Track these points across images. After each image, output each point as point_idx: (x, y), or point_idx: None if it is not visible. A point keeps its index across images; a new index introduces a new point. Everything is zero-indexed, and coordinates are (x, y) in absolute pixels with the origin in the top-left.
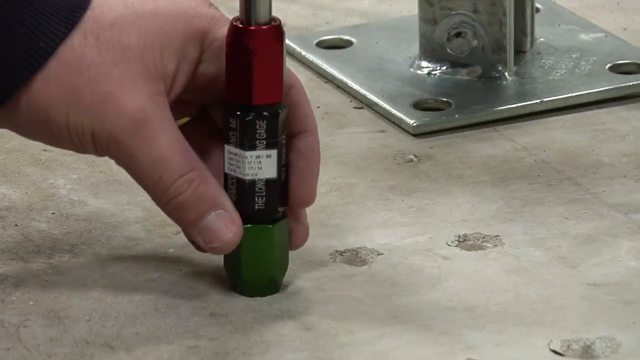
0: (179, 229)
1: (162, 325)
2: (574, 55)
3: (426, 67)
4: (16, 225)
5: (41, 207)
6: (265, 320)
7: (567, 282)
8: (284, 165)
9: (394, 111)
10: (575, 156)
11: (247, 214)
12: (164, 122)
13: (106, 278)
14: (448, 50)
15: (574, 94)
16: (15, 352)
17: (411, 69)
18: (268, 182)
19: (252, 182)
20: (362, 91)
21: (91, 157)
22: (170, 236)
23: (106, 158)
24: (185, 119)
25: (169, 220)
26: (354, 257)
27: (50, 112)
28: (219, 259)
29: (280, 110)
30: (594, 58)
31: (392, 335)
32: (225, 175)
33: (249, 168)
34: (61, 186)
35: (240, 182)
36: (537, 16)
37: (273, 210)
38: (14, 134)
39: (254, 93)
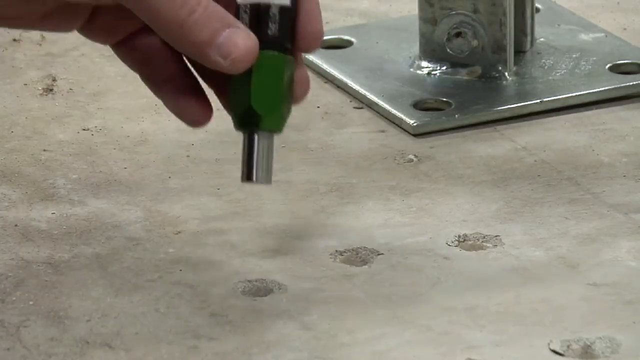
0: (179, 228)
1: (162, 325)
2: (574, 55)
3: (426, 67)
4: (16, 225)
5: (41, 207)
6: (265, 320)
7: (567, 282)
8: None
9: (394, 111)
10: (575, 156)
11: (259, 40)
12: None
13: (106, 278)
14: (448, 50)
15: (574, 94)
16: (15, 352)
17: (411, 69)
18: (282, 8)
19: (267, 6)
20: (362, 91)
21: (91, 157)
22: (170, 236)
23: (106, 158)
24: None
25: (169, 220)
26: (354, 257)
27: None
28: (219, 258)
29: None
30: (594, 58)
31: (392, 335)
32: (237, 6)
33: None
34: (61, 186)
35: (254, 6)
36: (537, 16)
37: (284, 40)
38: (14, 133)
39: None
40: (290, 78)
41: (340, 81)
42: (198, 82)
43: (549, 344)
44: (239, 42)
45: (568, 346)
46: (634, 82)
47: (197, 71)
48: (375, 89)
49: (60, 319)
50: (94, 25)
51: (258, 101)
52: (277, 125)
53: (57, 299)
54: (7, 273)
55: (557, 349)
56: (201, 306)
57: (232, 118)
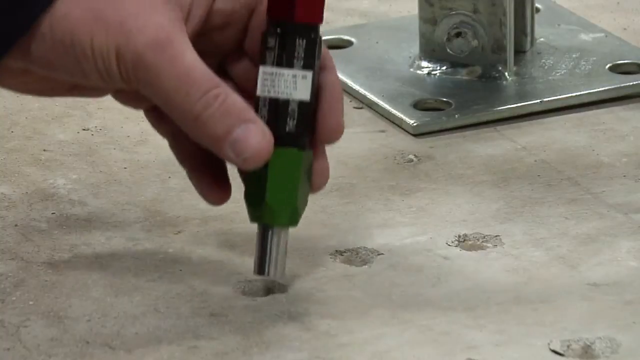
0: (179, 228)
1: (162, 325)
2: (574, 55)
3: (426, 67)
4: (16, 225)
5: (41, 207)
6: (265, 320)
7: (567, 282)
8: (315, 94)
9: (394, 111)
10: (575, 156)
11: (276, 136)
12: (185, 43)
13: (106, 278)
14: (448, 50)
15: (574, 94)
16: (15, 352)
17: (411, 69)
18: (301, 104)
19: (286, 102)
20: (362, 91)
21: (91, 157)
22: (170, 236)
23: (106, 158)
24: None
25: (169, 220)
26: (354, 257)
27: (74, 34)
28: (219, 258)
29: (319, 34)
30: (594, 58)
31: (392, 335)
32: (257, 98)
33: (284, 86)
34: (61, 186)
35: (273, 101)
36: (537, 16)
37: (302, 136)
38: (14, 133)
39: (296, 10)
40: (308, 172)
41: (340, 81)
42: (222, 162)
43: (549, 344)
44: (252, 141)
45: (568, 346)
46: (634, 82)
47: None
48: (375, 89)
49: (60, 319)
50: (124, 93)
51: (273, 198)
52: (292, 221)
53: (57, 299)
54: (7, 273)
55: (557, 349)
56: (201, 306)
57: (247, 209)
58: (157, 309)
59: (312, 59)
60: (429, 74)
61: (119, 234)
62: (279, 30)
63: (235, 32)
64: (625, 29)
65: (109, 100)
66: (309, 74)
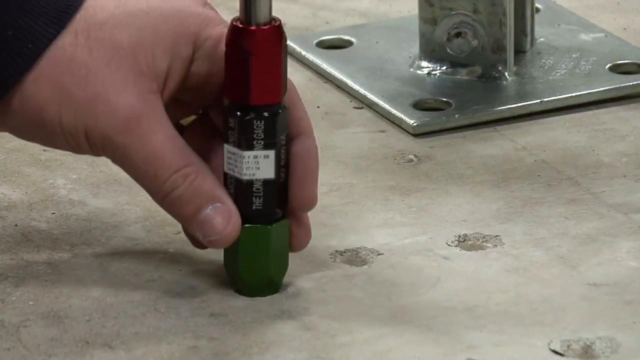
0: (179, 228)
1: (162, 325)
2: (574, 55)
3: (426, 67)
4: (16, 225)
5: (41, 207)
6: (265, 320)
7: (567, 282)
8: (283, 167)
9: (394, 111)
10: (575, 156)
11: (245, 214)
12: (156, 120)
13: (106, 278)
14: (448, 50)
15: (574, 94)
16: (15, 352)
17: (411, 69)
18: (266, 182)
19: (250, 182)
20: (362, 91)
21: (91, 157)
22: (170, 236)
23: (106, 158)
24: (191, 118)
25: (169, 220)
26: (354, 257)
27: (43, 112)
28: (219, 258)
29: (279, 111)
30: (594, 58)
31: (392, 335)
32: (225, 174)
33: (246, 168)
34: (61, 186)
35: (238, 181)
36: (537, 16)
37: (271, 211)
38: None
39: (251, 93)
40: (282, 239)
41: (340, 81)
42: None
43: (549, 344)
44: (217, 224)
45: (568, 346)
46: (634, 82)
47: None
48: (375, 89)
49: (60, 319)
50: None
51: (246, 273)
52: (271, 290)
53: (57, 299)
54: (7, 273)
55: (557, 349)
56: (201, 306)
57: (228, 278)
58: (157, 309)
59: (274, 138)
60: (429, 74)
61: (119, 234)
62: (237, 113)
63: (214, 89)
64: (625, 29)
65: None
66: (272, 153)
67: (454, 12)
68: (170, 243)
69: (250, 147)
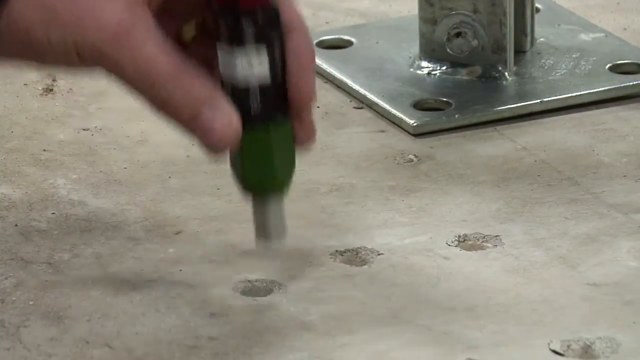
0: (179, 228)
1: (162, 325)
2: (574, 55)
3: (426, 67)
4: (16, 225)
5: (41, 207)
6: (265, 320)
7: (567, 282)
8: (279, 67)
9: (394, 111)
10: (575, 156)
11: (243, 118)
12: (145, 30)
13: (106, 278)
14: (448, 50)
15: (574, 94)
16: (15, 352)
17: (411, 69)
18: (262, 84)
19: (245, 85)
20: (362, 91)
21: (91, 157)
22: (170, 236)
23: (106, 158)
24: (192, 32)
25: (169, 220)
26: (354, 257)
27: (30, 32)
28: (219, 258)
29: (272, 12)
30: (594, 58)
31: (392, 335)
32: (221, 81)
33: (240, 71)
34: (61, 186)
35: (234, 86)
36: (537, 16)
37: (269, 113)
38: (14, 133)
39: None
40: (286, 143)
41: (340, 81)
42: None
43: (549, 344)
44: (217, 127)
45: (568, 346)
46: (634, 82)
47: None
48: (375, 89)
49: (60, 319)
50: None
51: (253, 179)
52: (279, 190)
53: (57, 299)
54: (7, 273)
55: (557, 349)
56: (201, 306)
57: (235, 182)
58: (157, 309)
59: (267, 38)
60: (429, 74)
61: (119, 234)
62: (227, 17)
63: None
64: (625, 29)
65: (109, 100)
66: (264, 54)
67: (454, 12)
68: (170, 243)
69: (242, 46)
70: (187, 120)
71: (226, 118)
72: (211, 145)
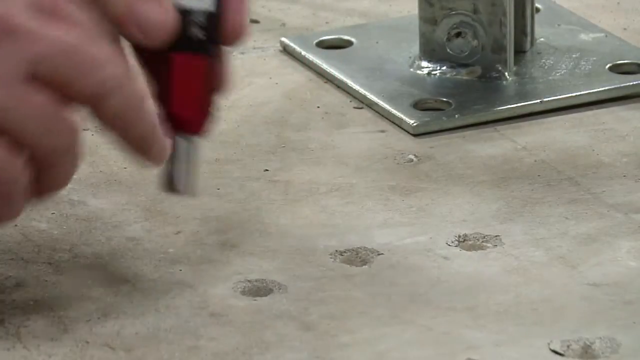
0: (179, 228)
1: (162, 325)
2: (574, 55)
3: (426, 67)
4: (16, 225)
5: (41, 207)
6: (265, 320)
7: (567, 282)
8: None
9: (394, 111)
10: (575, 156)
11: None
12: None
13: (106, 278)
14: (448, 50)
15: (574, 94)
16: (15, 352)
17: (411, 69)
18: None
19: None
20: (362, 91)
21: (91, 157)
22: (170, 236)
23: (106, 158)
24: None
25: (169, 220)
26: (354, 257)
27: None
28: (219, 258)
29: None
30: (594, 58)
31: (392, 335)
32: None
33: None
34: None
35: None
36: (537, 16)
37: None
38: None
39: None
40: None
41: (340, 81)
42: None
43: (549, 344)
44: (153, 14)
45: (568, 346)
46: (634, 82)
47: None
48: (375, 89)
49: (60, 319)
50: None
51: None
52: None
53: (57, 299)
54: (7, 273)
55: (557, 349)
56: (201, 306)
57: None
58: (157, 309)
59: None
60: (429, 74)
61: (119, 234)
62: None
63: None
64: (625, 29)
65: None
66: None
67: (454, 12)
68: (170, 243)
69: None
70: (124, 13)
71: (162, 9)
72: (147, 37)
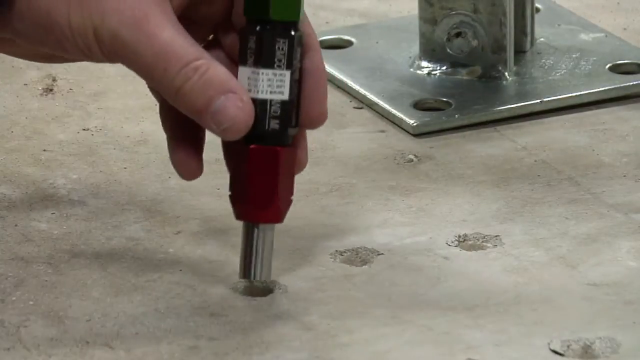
0: (179, 228)
1: (162, 325)
2: (574, 55)
3: (426, 67)
4: (16, 225)
5: (41, 207)
6: (265, 320)
7: (567, 282)
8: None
9: (394, 111)
10: (575, 156)
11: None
12: (164, 16)
13: (106, 278)
14: (448, 50)
15: (574, 94)
16: (15, 352)
17: (411, 69)
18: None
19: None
20: (362, 91)
21: (91, 157)
22: (170, 236)
23: (106, 158)
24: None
25: (169, 220)
26: (354, 257)
27: (51, 14)
28: (219, 258)
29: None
30: (594, 58)
31: (392, 335)
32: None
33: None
34: (61, 186)
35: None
36: (537, 16)
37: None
38: (14, 133)
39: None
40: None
41: (340, 81)
42: (200, 139)
43: (549, 344)
44: (230, 110)
45: (568, 346)
46: (634, 82)
47: None
48: (375, 89)
49: (60, 319)
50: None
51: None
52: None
53: (57, 299)
54: (7, 273)
55: (557, 349)
56: (201, 306)
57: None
58: (157, 309)
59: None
60: (429, 74)
61: (119, 234)
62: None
63: (222, 3)
64: (625, 29)
65: (109, 100)
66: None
67: (454, 12)
68: (170, 243)
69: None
70: (201, 107)
71: (240, 103)
72: (225, 129)
